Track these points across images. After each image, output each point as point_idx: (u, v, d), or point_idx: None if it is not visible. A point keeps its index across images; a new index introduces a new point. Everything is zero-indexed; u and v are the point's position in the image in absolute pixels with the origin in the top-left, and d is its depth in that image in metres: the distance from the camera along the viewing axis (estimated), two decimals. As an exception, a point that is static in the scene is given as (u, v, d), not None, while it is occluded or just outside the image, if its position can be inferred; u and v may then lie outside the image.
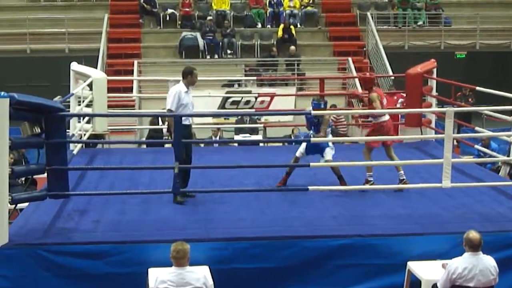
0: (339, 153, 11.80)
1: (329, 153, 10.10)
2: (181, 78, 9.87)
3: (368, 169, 10.13)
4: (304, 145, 10.21)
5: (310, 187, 8.95)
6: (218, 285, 7.24)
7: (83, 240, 8.01)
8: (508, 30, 23.95)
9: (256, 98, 17.65)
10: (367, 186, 9.85)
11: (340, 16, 24.44)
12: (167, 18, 23.51)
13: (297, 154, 10.21)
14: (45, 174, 8.29)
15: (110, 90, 13.66)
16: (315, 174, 10.46)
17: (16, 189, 9.32)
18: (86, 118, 12.71)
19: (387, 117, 10.10)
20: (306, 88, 21.11)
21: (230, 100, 18.83)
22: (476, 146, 12.99)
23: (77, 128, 12.09)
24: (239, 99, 18.59)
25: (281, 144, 15.14)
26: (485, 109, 12.23)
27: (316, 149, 10.11)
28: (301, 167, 10.19)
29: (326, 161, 10.20)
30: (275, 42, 22.71)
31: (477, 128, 12.59)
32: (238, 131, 17.04)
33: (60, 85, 18.41)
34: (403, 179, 9.98)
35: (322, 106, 10.13)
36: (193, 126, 16.17)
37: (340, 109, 18.69)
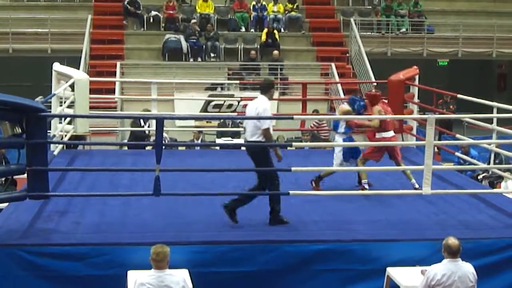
0: (321, 157, 11.86)
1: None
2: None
3: (362, 176, 10.24)
4: (340, 154, 10.29)
5: (291, 192, 8.94)
6: (197, 289, 7.23)
7: (63, 242, 7.98)
8: (491, 38, 24.10)
9: (238, 102, 17.64)
10: (358, 192, 9.95)
11: (323, 21, 24.52)
12: (151, 20, 23.46)
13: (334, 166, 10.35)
14: (25, 175, 8.24)
15: (92, 91, 13.60)
16: (297, 179, 10.46)
17: (-5, 189, 9.27)
18: (68, 119, 12.66)
19: (391, 134, 10.48)
20: (289, 93, 21.13)
21: (213, 103, 18.83)
22: (457, 154, 13.06)
23: (58, 129, 12.03)
24: (221, 102, 18.58)
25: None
26: (466, 117, 12.30)
27: (352, 153, 10.27)
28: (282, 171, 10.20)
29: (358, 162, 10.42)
30: (258, 46, 22.72)
31: (458, 136, 12.66)
32: (220, 134, 17.03)
33: (42, 85, 18.32)
34: (417, 188, 10.02)
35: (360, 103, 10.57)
36: (174, 128, 16.30)
37: (322, 114, 18.72)
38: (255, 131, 8.70)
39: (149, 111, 14.39)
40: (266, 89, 8.90)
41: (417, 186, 10.04)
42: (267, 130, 8.67)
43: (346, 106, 10.71)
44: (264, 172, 8.77)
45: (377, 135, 10.47)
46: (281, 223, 8.73)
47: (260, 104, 8.72)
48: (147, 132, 14.75)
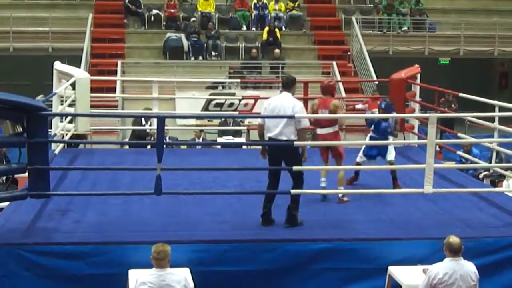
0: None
1: (392, 153, 10.26)
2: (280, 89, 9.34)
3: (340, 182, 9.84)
4: (363, 148, 10.31)
5: (292, 191, 8.92)
6: (199, 288, 7.23)
7: (64, 241, 7.96)
8: (492, 37, 24.08)
9: (240, 100, 17.65)
10: (359, 191, 9.89)
11: (325, 20, 24.49)
12: (152, 18, 23.46)
13: (358, 159, 10.35)
14: (26, 174, 8.23)
15: (93, 90, 13.59)
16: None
17: (-4, 188, 9.27)
18: (69, 118, 12.65)
19: (326, 130, 9.73)
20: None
21: (214, 102, 18.84)
22: (458, 152, 13.05)
23: (59, 128, 12.02)
24: (223, 101, 18.60)
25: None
26: (467, 115, 12.30)
27: (378, 151, 10.24)
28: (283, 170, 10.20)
29: (389, 162, 10.27)
30: (259, 45, 22.71)
31: (459, 134, 12.65)
32: (221, 133, 17.03)
33: (43, 84, 18.34)
34: (341, 197, 9.72)
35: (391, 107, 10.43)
36: (176, 127, 16.29)
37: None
38: (288, 130, 8.55)
39: (150, 109, 14.38)
40: (290, 85, 8.81)
41: (341, 195, 9.71)
42: (304, 130, 8.66)
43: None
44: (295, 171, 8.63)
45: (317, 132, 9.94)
46: (296, 225, 8.66)
47: (296, 103, 8.59)
48: (148, 131, 14.73)
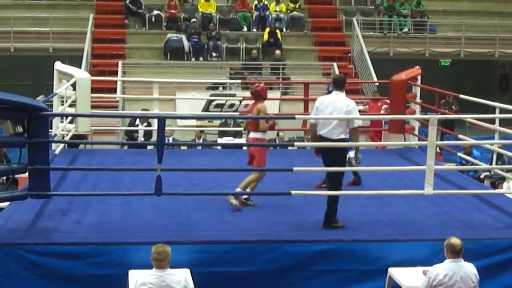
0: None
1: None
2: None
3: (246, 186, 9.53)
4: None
5: (292, 192, 8.92)
6: (199, 288, 7.22)
7: (64, 241, 7.96)
8: (493, 39, 24.07)
9: (240, 101, 17.63)
10: (360, 192, 9.76)
11: (326, 21, 24.51)
12: (153, 19, 23.47)
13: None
14: (27, 174, 8.23)
15: (93, 90, 13.58)
16: (298, 178, 10.45)
17: (-4, 188, 9.27)
18: (69, 118, 12.64)
19: (252, 135, 9.51)
20: (291, 93, 21.12)
21: (214, 103, 18.83)
22: (459, 154, 13.04)
23: (59, 128, 12.02)
24: (223, 102, 18.59)
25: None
26: (468, 117, 12.27)
27: None
28: (284, 171, 10.21)
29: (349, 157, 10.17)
30: (260, 46, 22.72)
31: (460, 136, 12.63)
32: (222, 134, 17.02)
33: (44, 84, 18.35)
34: (245, 199, 9.50)
35: None
36: (176, 128, 16.29)
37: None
38: (340, 129, 8.57)
39: (148, 110, 14.39)
40: (342, 84, 8.85)
41: (245, 197, 9.44)
42: (358, 129, 8.70)
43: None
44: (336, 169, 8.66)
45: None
46: (335, 227, 8.61)
47: (349, 102, 8.62)
48: (140, 132, 14.76)
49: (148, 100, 15.73)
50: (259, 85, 9.79)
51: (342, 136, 8.58)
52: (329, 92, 10.11)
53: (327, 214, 8.64)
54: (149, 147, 13.72)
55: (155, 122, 12.68)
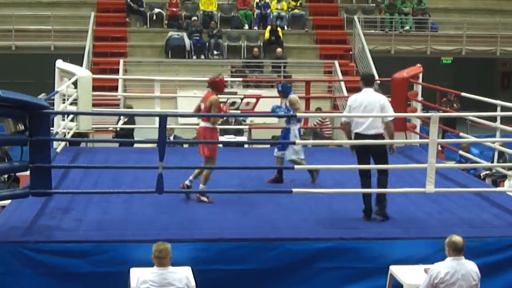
0: (323, 155, 11.85)
1: (293, 151, 10.32)
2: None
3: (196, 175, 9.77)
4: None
5: (294, 190, 8.93)
6: (200, 286, 7.22)
7: (65, 239, 7.97)
8: (494, 36, 24.05)
9: (241, 99, 17.62)
10: (360, 190, 9.71)
11: (327, 19, 24.48)
12: (154, 17, 23.43)
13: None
14: (28, 172, 8.24)
15: (95, 88, 13.61)
16: (300, 176, 10.45)
17: (-2, 186, 9.28)
18: (70, 116, 12.65)
19: (206, 124, 9.66)
20: (292, 91, 21.06)
21: (216, 101, 18.75)
22: (460, 152, 13.04)
23: (61, 126, 12.03)
24: (224, 100, 18.53)
25: (267, 146, 15.11)
26: (469, 115, 12.28)
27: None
28: (285, 170, 10.22)
29: (290, 160, 10.35)
30: (261, 44, 22.71)
31: (461, 134, 12.63)
32: (223, 132, 17.01)
33: (45, 82, 18.35)
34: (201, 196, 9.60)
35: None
36: (177, 126, 16.29)
37: (325, 112, 18.72)
38: (377, 124, 8.74)
39: (132, 107, 14.31)
40: (372, 81, 9.08)
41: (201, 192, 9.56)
42: (392, 123, 8.79)
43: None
44: (383, 163, 8.89)
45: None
46: (385, 217, 8.85)
47: (382, 97, 8.84)
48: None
49: (150, 98, 15.74)
50: (218, 76, 9.96)
51: (375, 132, 8.76)
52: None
53: (381, 205, 8.85)
54: (150, 146, 13.71)
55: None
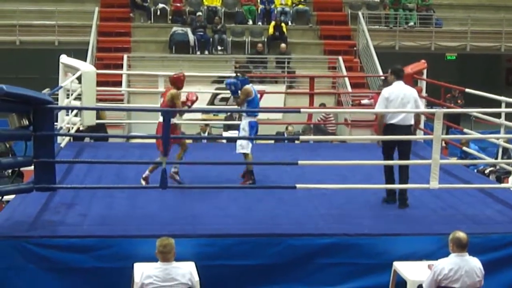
0: (327, 151, 11.83)
1: (242, 145, 10.28)
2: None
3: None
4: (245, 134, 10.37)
5: (297, 185, 8.93)
6: (203, 282, 7.22)
7: (69, 234, 7.98)
8: (499, 32, 24.01)
9: (245, 95, 17.59)
10: (366, 186, 9.75)
11: (331, 15, 24.47)
12: (158, 12, 23.45)
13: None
14: (32, 167, 8.24)
15: (99, 83, 13.60)
16: (304, 172, 10.44)
17: (2, 181, 9.29)
18: (74, 111, 12.66)
19: (160, 119, 9.65)
20: (296, 86, 21.11)
21: (220, 96, 18.79)
22: (464, 148, 13.02)
23: (65, 121, 12.04)
24: (228, 95, 18.53)
25: (271, 141, 15.11)
26: (474, 111, 12.24)
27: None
28: (289, 165, 10.22)
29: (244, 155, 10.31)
30: (265, 39, 22.70)
31: (465, 130, 12.62)
32: (227, 127, 17.01)
33: (49, 77, 18.32)
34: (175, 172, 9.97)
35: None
36: (181, 121, 16.28)
37: (329, 108, 18.71)
38: (411, 116, 9.22)
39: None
40: (402, 75, 9.47)
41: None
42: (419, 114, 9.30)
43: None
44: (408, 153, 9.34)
45: None
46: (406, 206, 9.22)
47: (413, 90, 9.33)
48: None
49: (154, 93, 15.73)
50: (179, 74, 10.34)
51: (412, 122, 9.25)
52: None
53: (402, 195, 9.25)
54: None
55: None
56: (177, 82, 10.21)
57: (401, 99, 9.14)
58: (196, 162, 10.47)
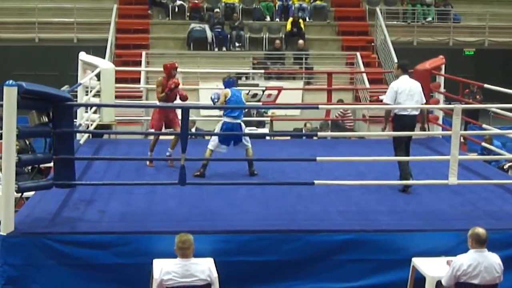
0: (345, 147, 11.83)
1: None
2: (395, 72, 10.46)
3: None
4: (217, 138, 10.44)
5: (315, 181, 8.93)
6: (222, 278, 7.25)
7: (89, 230, 8.02)
8: (517, 27, 23.89)
9: (263, 91, 17.62)
10: (383, 182, 9.79)
11: (349, 10, 24.43)
12: (176, 9, 23.50)
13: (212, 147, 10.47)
14: (52, 163, 8.30)
15: (117, 80, 13.65)
16: (322, 168, 10.45)
17: (22, 177, 9.35)
18: (94, 108, 12.72)
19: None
20: (314, 82, 21.10)
21: (237, 92, 18.77)
22: (483, 144, 12.97)
23: (84, 118, 12.10)
24: (246, 92, 18.55)
25: (288, 137, 15.13)
26: (492, 107, 12.19)
27: (235, 136, 10.47)
28: (307, 161, 10.22)
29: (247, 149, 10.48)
30: (283, 36, 22.69)
31: (484, 126, 12.56)
32: (245, 124, 17.02)
33: (68, 74, 18.44)
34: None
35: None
36: (199, 118, 16.33)
37: (347, 104, 18.69)
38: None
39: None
40: (408, 69, 10.27)
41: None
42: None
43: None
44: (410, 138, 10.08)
45: None
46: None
47: (418, 83, 10.01)
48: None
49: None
50: (169, 63, 11.15)
51: (417, 112, 9.94)
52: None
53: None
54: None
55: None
56: (164, 70, 11.03)
57: (408, 91, 9.79)
58: (214, 159, 10.48)
